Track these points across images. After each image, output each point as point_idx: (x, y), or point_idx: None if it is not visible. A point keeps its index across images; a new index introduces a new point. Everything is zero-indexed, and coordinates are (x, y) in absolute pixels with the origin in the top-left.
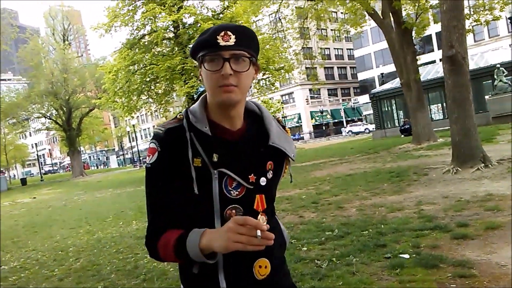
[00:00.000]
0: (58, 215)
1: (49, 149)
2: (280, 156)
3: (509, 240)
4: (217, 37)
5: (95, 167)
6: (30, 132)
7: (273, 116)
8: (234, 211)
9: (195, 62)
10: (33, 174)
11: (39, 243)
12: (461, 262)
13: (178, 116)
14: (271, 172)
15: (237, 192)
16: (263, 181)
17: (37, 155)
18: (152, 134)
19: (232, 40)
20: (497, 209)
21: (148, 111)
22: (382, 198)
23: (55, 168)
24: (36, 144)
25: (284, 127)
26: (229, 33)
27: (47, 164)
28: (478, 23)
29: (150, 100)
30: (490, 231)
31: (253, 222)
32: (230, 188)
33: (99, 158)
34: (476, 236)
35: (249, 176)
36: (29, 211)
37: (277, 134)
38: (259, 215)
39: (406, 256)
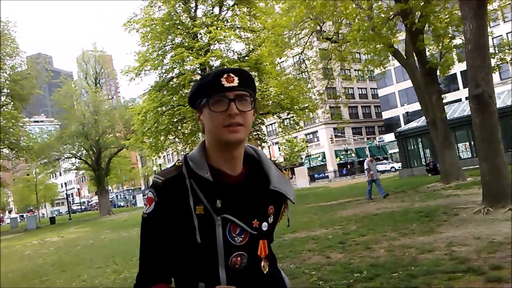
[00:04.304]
0: (85, 254)
1: (78, 188)
2: (280, 200)
3: None
4: (221, 79)
5: (122, 206)
6: (60, 172)
7: (270, 159)
8: (239, 258)
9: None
10: (61, 213)
11: (67, 282)
12: None
13: (177, 164)
14: (272, 216)
15: (241, 239)
16: (264, 226)
17: (66, 194)
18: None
19: (235, 82)
20: None
21: (174, 151)
22: (412, 238)
23: (83, 207)
24: (65, 183)
25: (281, 170)
26: (232, 75)
27: (76, 203)
28: (504, 61)
29: (177, 140)
30: None
31: None
32: (234, 235)
33: (125, 197)
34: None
35: (253, 222)
36: (57, 250)
37: (277, 178)
38: (262, 261)
39: None
